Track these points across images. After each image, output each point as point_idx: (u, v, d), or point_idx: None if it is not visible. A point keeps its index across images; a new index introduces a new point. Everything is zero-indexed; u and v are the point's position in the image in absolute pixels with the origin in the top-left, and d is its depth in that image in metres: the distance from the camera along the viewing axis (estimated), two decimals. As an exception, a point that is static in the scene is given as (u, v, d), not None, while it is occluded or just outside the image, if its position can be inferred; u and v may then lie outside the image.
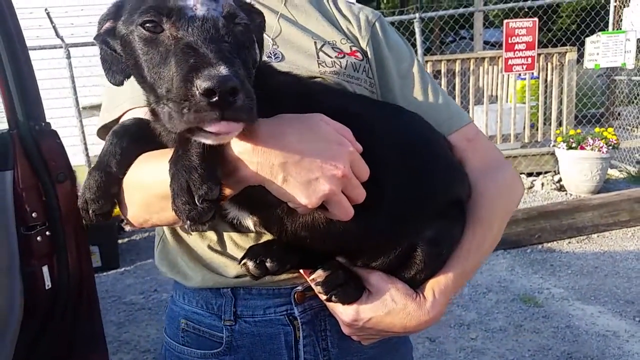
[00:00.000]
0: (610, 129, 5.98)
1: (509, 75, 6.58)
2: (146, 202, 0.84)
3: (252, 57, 0.74)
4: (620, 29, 6.62)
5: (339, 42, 1.06)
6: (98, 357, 2.09)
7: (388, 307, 0.87)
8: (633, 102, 6.89)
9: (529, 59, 6.33)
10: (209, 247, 0.98)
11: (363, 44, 1.09)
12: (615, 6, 7.05)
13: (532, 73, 6.55)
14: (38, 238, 1.86)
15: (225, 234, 0.97)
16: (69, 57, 5.97)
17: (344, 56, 1.04)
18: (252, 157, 0.71)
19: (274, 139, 0.71)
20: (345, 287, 0.87)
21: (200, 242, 0.99)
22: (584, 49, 6.51)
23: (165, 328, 1.10)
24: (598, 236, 4.87)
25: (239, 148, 0.72)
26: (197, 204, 0.67)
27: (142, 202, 0.84)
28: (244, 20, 0.72)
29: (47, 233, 1.90)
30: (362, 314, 0.87)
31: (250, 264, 0.87)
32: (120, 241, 5.60)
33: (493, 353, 3.20)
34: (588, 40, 6.34)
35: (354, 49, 1.06)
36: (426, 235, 0.89)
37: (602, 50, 6.22)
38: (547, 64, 6.75)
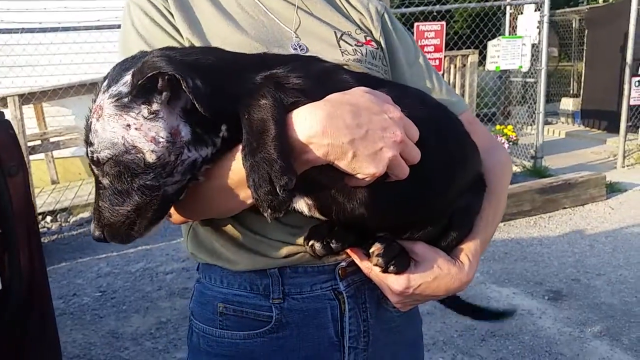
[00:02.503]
0: (510, 127, 6.51)
1: (417, 75, 6.91)
2: (203, 196, 0.88)
3: (141, 163, 0.79)
4: (516, 34, 7.22)
5: (354, 32, 1.11)
6: (51, 360, 1.99)
7: (435, 273, 0.94)
8: (527, 102, 7.53)
9: (437, 61, 6.70)
10: (253, 231, 1.00)
11: (376, 35, 1.14)
12: (510, 13, 7.66)
13: (439, 74, 6.95)
14: (-12, 237, 1.74)
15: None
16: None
17: (362, 45, 1.09)
18: (322, 139, 0.76)
19: (335, 119, 0.76)
20: (400, 258, 0.93)
21: (241, 228, 1.01)
22: (486, 52, 7.01)
23: (195, 315, 1.09)
24: (505, 225, 5.29)
25: (309, 132, 0.76)
26: (279, 193, 0.72)
27: (198, 197, 0.88)
28: (108, 155, 0.78)
29: (-2, 231, 1.78)
30: (413, 282, 0.94)
31: (317, 245, 0.92)
32: (27, 244, 5.24)
33: (424, 335, 3.40)
34: (490, 43, 6.85)
35: (368, 38, 1.12)
36: (460, 206, 0.98)
37: (502, 54, 6.75)
38: (450, 66, 7.19)
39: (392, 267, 0.92)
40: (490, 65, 6.97)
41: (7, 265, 1.82)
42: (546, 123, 8.13)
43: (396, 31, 1.19)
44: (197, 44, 0.99)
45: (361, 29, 1.14)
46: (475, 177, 1.03)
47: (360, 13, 1.17)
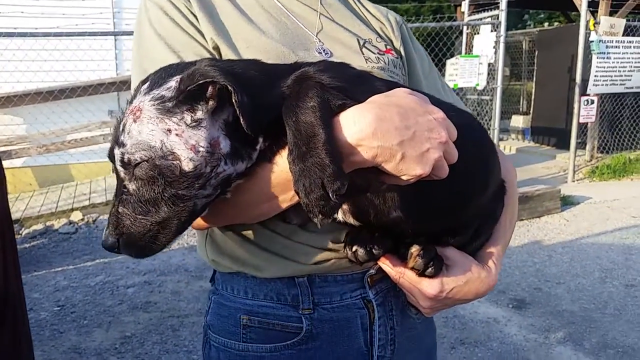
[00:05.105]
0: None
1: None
2: (237, 203, 0.86)
3: (176, 170, 0.76)
4: (472, 53, 7.46)
5: (374, 40, 1.11)
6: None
7: (467, 277, 0.95)
8: (483, 119, 7.77)
9: (398, 76, 6.84)
10: (281, 235, 0.97)
11: (397, 45, 1.15)
12: (467, 33, 7.92)
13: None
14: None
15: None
16: None
17: (383, 53, 1.09)
18: (372, 142, 0.75)
19: (385, 121, 0.76)
20: (436, 260, 0.93)
21: (268, 232, 0.98)
22: (443, 70, 7.20)
23: (214, 329, 1.05)
24: (466, 236, 5.42)
25: (359, 135, 0.75)
26: (332, 198, 0.71)
27: (230, 205, 0.86)
28: (142, 157, 0.75)
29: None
30: (446, 286, 0.94)
31: (361, 251, 0.91)
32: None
33: (395, 345, 3.43)
34: (448, 62, 7.04)
35: (388, 47, 1.12)
36: (487, 212, 1.01)
37: (460, 72, 6.95)
38: (410, 82, 7.33)
39: (430, 269, 0.92)
40: (448, 83, 7.14)
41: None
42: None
43: (412, 42, 1.20)
44: (223, 45, 0.97)
45: (381, 37, 1.14)
46: (499, 184, 1.06)
47: (381, 22, 1.18)
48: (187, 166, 0.75)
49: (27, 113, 6.64)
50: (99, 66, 7.06)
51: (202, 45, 0.97)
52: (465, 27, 7.94)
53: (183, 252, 5.04)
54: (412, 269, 0.93)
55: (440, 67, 7.42)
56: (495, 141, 7.35)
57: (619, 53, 7.54)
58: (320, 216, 0.73)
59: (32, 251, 5.43)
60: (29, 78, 6.52)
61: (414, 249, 0.92)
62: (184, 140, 0.75)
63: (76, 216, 6.05)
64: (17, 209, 6.23)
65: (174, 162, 0.75)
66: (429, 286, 0.94)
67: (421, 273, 0.93)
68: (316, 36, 1.06)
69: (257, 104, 0.76)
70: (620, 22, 7.49)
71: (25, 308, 1.90)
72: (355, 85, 0.84)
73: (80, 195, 6.61)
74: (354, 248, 0.92)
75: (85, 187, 7.01)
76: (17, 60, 6.39)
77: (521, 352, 3.30)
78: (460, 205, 0.94)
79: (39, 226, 5.93)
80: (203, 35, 0.98)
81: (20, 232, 5.84)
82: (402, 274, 0.96)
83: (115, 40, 7.31)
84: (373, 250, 0.92)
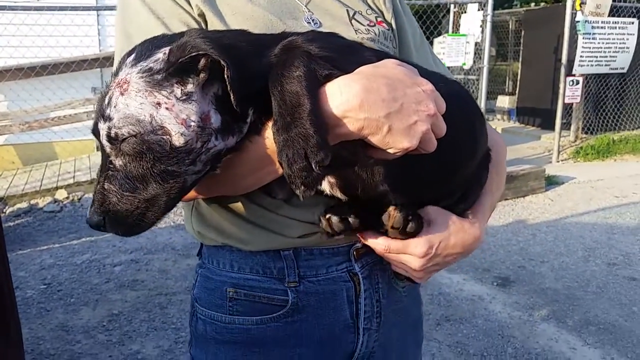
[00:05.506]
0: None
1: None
2: (223, 175, 0.85)
3: (166, 145, 0.74)
4: (458, 32, 7.44)
5: (365, 12, 1.10)
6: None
7: (450, 229, 0.95)
8: (470, 98, 7.80)
9: (385, 55, 6.81)
10: (266, 209, 0.97)
11: (388, 17, 1.14)
12: (454, 12, 7.88)
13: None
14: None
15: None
16: None
17: (374, 25, 1.08)
18: (359, 113, 0.74)
19: (372, 92, 0.75)
20: (415, 216, 0.92)
21: (253, 205, 0.97)
22: (431, 49, 7.18)
23: (201, 302, 1.05)
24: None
25: (345, 106, 0.74)
26: (314, 169, 0.70)
27: (221, 174, 0.85)
28: (130, 132, 0.73)
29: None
30: (432, 241, 0.93)
31: (335, 219, 0.90)
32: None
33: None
34: (436, 41, 7.03)
35: (379, 19, 1.11)
36: (474, 179, 1.02)
37: (447, 51, 6.94)
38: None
39: (410, 225, 0.90)
40: (436, 62, 7.14)
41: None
42: (485, 119, 8.51)
43: (405, 13, 1.19)
44: (208, 12, 0.95)
45: (372, 9, 1.13)
46: (485, 152, 1.07)
47: None
48: (178, 141, 0.74)
49: (9, 89, 6.51)
50: (81, 42, 6.92)
51: (187, 12, 0.95)
52: (452, 6, 7.89)
53: (170, 230, 5.02)
54: (392, 228, 0.91)
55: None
56: (481, 121, 7.38)
57: (605, 34, 7.57)
58: (302, 187, 0.72)
59: (17, 230, 5.37)
60: (9, 53, 6.37)
61: (391, 208, 0.91)
62: (175, 114, 0.74)
63: (61, 194, 5.98)
64: (0, 187, 6.15)
65: (164, 137, 0.74)
66: (417, 246, 0.93)
67: (402, 230, 0.91)
68: (305, 6, 1.04)
69: (246, 76, 0.75)
70: (606, 3, 7.50)
71: (11, 286, 1.89)
72: (344, 55, 0.83)
73: (65, 174, 6.54)
74: (328, 215, 0.91)
75: (69, 165, 6.93)
76: (-3, 34, 6.25)
77: (505, 329, 3.36)
78: (449, 175, 0.95)
79: (23, 204, 5.87)
80: (188, 2, 0.96)
81: (4, 210, 5.77)
82: (388, 248, 0.95)
83: (98, 15, 7.17)
84: (348, 219, 0.90)
